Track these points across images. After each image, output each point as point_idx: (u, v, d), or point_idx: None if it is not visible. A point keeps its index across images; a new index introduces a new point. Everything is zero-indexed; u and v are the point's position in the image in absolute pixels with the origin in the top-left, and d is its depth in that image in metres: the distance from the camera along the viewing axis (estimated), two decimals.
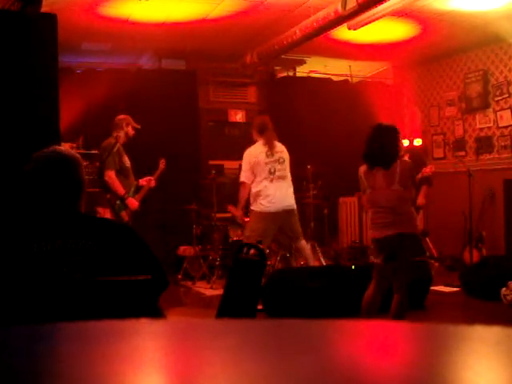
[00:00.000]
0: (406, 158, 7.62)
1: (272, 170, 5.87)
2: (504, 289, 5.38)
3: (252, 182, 5.86)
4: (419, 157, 7.94)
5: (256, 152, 5.88)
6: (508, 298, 5.32)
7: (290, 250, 6.95)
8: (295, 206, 6.02)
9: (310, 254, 6.17)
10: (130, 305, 1.84)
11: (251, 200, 5.95)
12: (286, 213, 5.90)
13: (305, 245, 6.14)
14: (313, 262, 6.18)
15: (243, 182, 5.89)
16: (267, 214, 5.81)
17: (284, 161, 5.93)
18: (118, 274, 1.89)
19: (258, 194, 5.85)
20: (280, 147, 5.99)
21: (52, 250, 1.87)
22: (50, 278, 1.85)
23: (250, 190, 5.90)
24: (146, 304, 1.89)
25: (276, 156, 5.89)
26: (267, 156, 5.85)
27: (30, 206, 2.05)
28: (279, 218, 5.87)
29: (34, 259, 1.85)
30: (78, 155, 2.12)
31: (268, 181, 5.84)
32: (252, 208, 5.95)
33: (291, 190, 6.00)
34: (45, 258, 1.86)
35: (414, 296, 5.49)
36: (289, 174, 5.99)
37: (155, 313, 1.96)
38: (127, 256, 1.95)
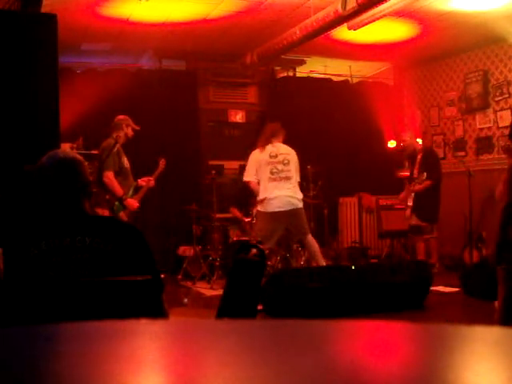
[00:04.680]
0: (420, 157, 7.65)
1: (274, 171, 6.01)
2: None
3: (258, 182, 6.05)
4: (432, 154, 7.93)
5: (259, 152, 6.08)
6: None
7: (290, 250, 6.95)
8: (300, 205, 6.11)
9: (317, 250, 6.18)
10: (135, 305, 1.84)
11: (258, 201, 6.13)
12: (291, 213, 6.00)
13: (312, 240, 6.18)
14: (321, 259, 6.16)
15: (247, 182, 6.13)
16: (271, 213, 5.98)
17: (289, 162, 6.05)
18: (123, 273, 1.90)
19: (262, 194, 6.03)
20: (286, 149, 6.14)
21: (60, 248, 1.88)
22: (54, 277, 1.85)
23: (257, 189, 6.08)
24: (150, 305, 1.90)
25: (280, 157, 6.04)
26: (270, 157, 6.03)
27: (36, 204, 2.06)
28: (283, 217, 5.99)
29: (42, 256, 1.86)
30: (81, 157, 2.14)
31: (270, 181, 5.99)
32: (258, 208, 6.16)
33: (296, 190, 6.10)
34: (53, 255, 1.87)
35: (414, 296, 5.50)
36: (295, 176, 6.10)
37: (161, 314, 1.97)
38: (131, 256, 1.96)
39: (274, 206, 5.95)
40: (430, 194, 7.45)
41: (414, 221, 7.56)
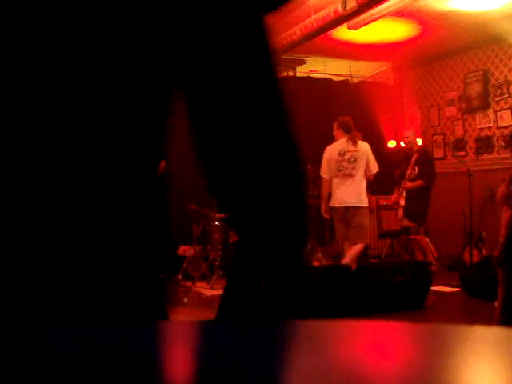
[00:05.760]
0: (414, 157, 7.66)
1: (340, 168, 6.12)
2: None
3: (330, 178, 6.21)
4: (426, 155, 7.94)
5: (332, 149, 6.22)
6: None
7: None
8: (359, 204, 6.09)
9: (352, 257, 6.05)
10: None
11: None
12: (348, 210, 6.08)
13: (349, 248, 6.15)
14: (347, 259, 6.06)
15: (321, 177, 6.31)
16: (332, 209, 6.21)
17: (355, 160, 6.09)
18: None
19: (331, 191, 6.23)
20: (357, 146, 6.15)
21: None
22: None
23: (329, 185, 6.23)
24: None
25: (347, 155, 6.10)
26: (339, 155, 6.12)
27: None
28: (342, 213, 6.12)
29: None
30: None
31: (336, 178, 6.15)
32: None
33: (357, 187, 6.10)
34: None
35: (414, 296, 5.50)
36: (359, 173, 6.11)
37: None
38: None
39: (333, 202, 6.16)
40: (420, 196, 7.47)
41: (405, 222, 7.60)
